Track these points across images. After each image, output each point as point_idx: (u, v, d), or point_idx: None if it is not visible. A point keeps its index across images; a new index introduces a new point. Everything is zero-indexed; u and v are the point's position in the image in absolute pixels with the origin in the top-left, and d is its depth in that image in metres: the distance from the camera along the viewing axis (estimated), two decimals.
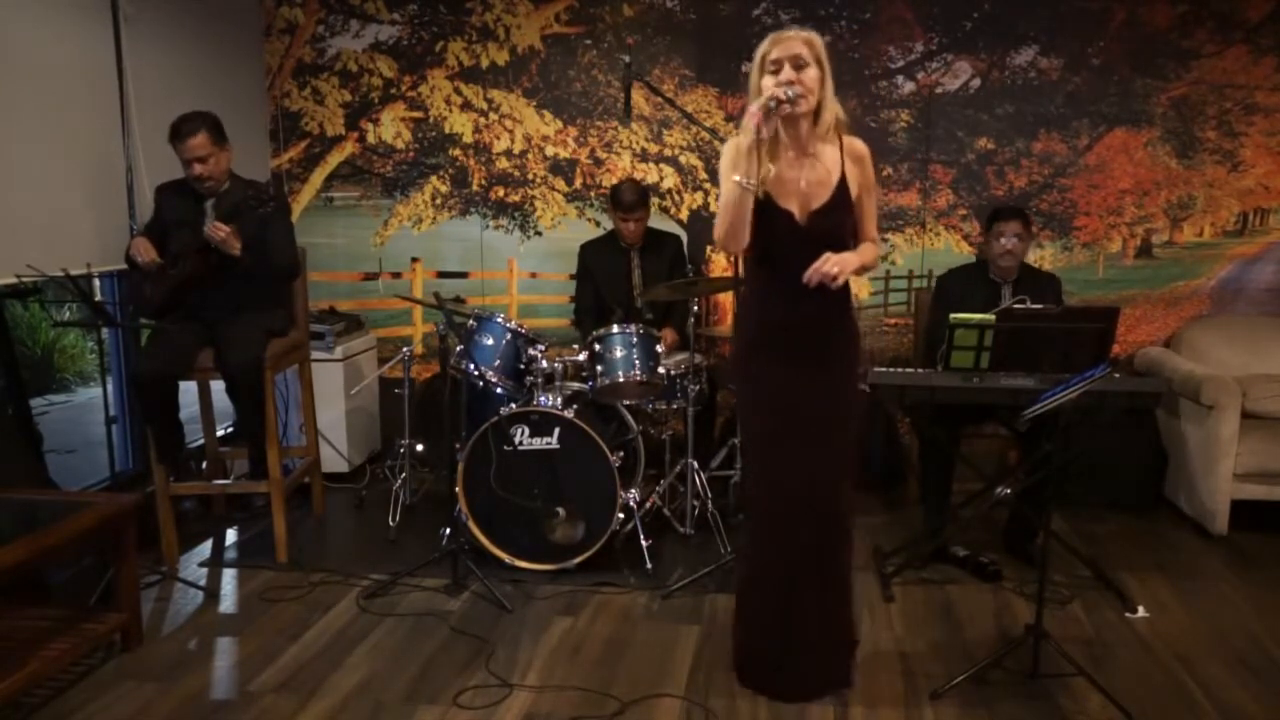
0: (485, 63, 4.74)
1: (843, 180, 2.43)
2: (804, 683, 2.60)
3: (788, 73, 2.30)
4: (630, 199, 4.12)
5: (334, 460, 4.42)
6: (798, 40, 2.32)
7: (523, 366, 3.61)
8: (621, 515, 3.44)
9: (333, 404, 4.40)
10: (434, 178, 4.87)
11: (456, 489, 3.44)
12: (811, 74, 2.32)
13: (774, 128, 2.31)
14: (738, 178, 2.27)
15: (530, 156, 4.80)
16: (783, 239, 2.39)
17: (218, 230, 3.32)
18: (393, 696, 2.65)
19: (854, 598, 2.69)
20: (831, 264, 2.35)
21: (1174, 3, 4.37)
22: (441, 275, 4.94)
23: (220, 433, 4.24)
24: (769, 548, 2.58)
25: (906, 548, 3.60)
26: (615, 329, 3.60)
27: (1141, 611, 3.15)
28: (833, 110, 2.39)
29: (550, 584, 3.36)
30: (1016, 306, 3.25)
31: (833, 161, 2.44)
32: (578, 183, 4.80)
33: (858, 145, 2.48)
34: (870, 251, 2.54)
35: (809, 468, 2.49)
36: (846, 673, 2.66)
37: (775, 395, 2.49)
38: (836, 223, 2.44)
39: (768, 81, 2.32)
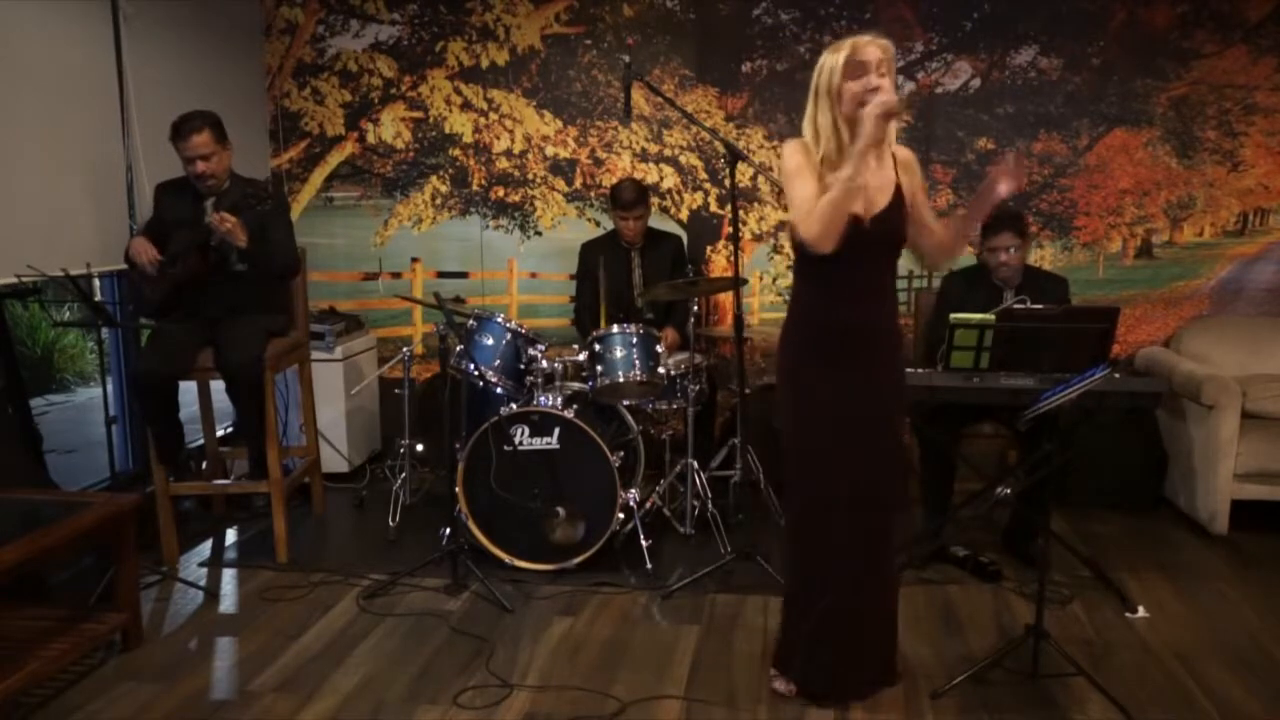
0: (485, 63, 4.74)
1: (898, 184, 2.47)
2: (861, 679, 2.62)
3: (876, 79, 2.32)
4: (630, 196, 4.12)
5: (334, 460, 4.42)
6: (878, 46, 2.36)
7: (523, 366, 3.61)
8: (621, 515, 3.44)
9: (333, 404, 4.40)
10: (434, 178, 4.87)
11: (456, 489, 3.44)
12: (889, 80, 2.35)
13: (885, 131, 2.35)
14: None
15: (530, 156, 4.80)
16: (849, 241, 2.40)
17: (224, 220, 3.29)
18: (393, 696, 2.65)
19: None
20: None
21: (1174, 3, 4.37)
22: (441, 275, 4.94)
23: (220, 433, 4.24)
24: (827, 549, 2.55)
25: (906, 548, 3.60)
26: (615, 329, 3.60)
27: (1141, 611, 3.15)
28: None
29: (550, 584, 3.36)
30: (1017, 307, 3.24)
31: (889, 166, 2.47)
32: (578, 183, 4.80)
33: (904, 152, 2.53)
34: (950, 225, 2.59)
35: (865, 468, 2.50)
36: (894, 668, 2.69)
37: (836, 396, 2.48)
38: (896, 226, 2.48)
39: (854, 85, 2.33)
